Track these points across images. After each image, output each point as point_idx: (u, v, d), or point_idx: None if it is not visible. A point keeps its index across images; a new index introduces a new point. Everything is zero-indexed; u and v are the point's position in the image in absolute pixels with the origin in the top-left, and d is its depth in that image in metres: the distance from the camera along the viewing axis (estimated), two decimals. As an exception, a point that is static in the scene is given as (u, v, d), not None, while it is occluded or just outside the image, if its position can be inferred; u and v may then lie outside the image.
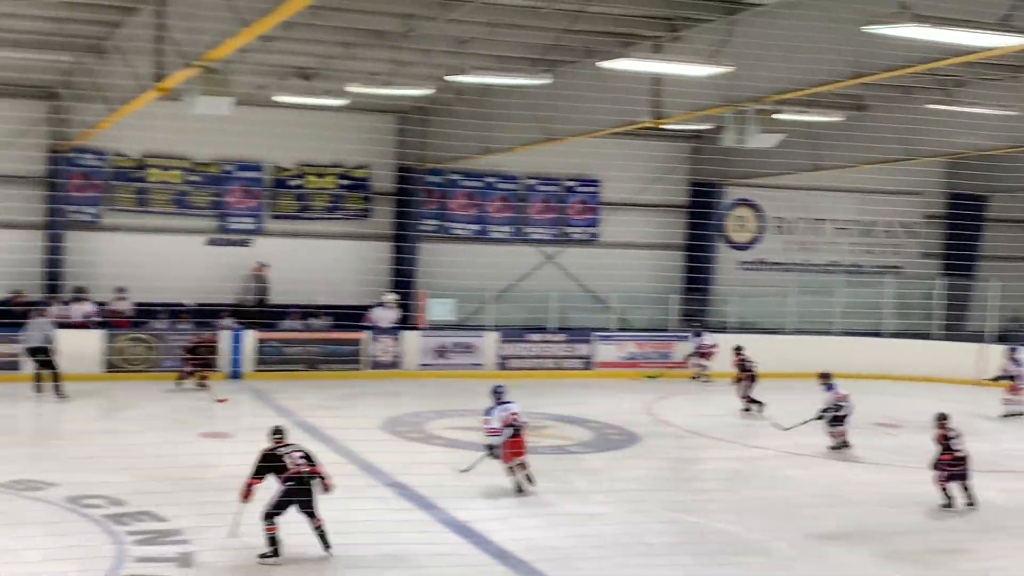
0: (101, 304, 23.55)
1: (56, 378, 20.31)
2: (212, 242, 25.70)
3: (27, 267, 23.61)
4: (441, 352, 24.99)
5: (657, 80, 18.04)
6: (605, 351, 26.17)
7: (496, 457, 14.73)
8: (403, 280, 26.25)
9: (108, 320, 23.35)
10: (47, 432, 18.23)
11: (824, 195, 30.16)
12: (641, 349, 26.50)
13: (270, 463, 11.72)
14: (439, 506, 13.96)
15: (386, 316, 25.12)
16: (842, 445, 18.05)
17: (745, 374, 21.53)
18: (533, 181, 28.09)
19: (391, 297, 25.40)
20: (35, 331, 20.49)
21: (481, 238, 27.68)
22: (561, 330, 26.19)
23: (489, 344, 25.27)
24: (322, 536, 11.60)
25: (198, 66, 15.36)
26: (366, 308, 25.29)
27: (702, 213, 28.99)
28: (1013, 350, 22.59)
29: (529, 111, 21.07)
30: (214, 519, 12.97)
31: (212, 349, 21.77)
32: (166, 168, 25.27)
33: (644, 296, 27.86)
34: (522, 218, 27.98)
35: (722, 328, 27.11)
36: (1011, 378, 22.13)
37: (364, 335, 24.57)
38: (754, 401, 21.27)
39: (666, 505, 15.02)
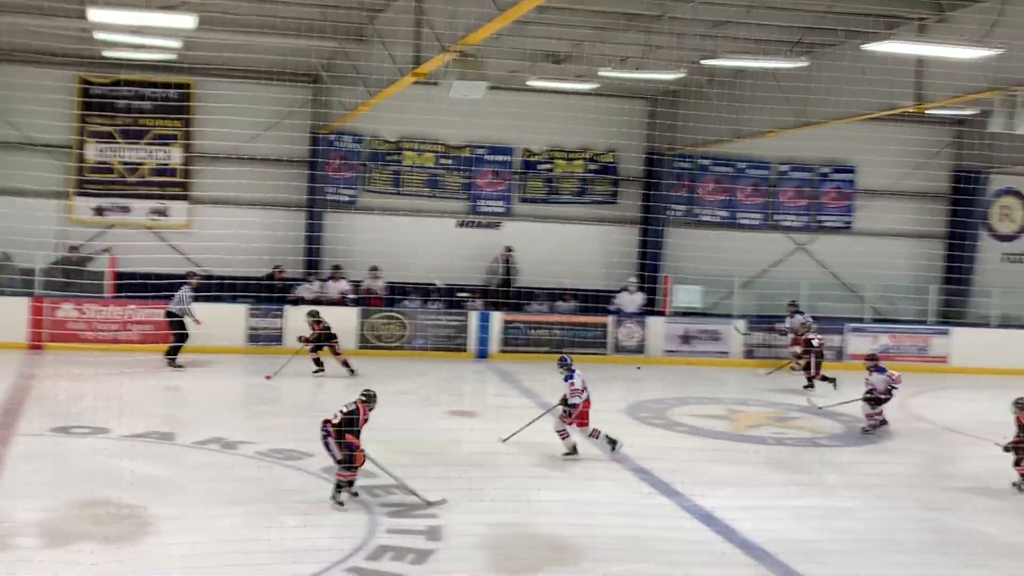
0: (356, 283, 24.43)
1: (179, 341, 21.20)
2: (463, 224, 26.34)
3: (288, 244, 24.76)
4: (685, 339, 24.89)
5: (921, 63, 17.49)
6: (858, 343, 25.51)
7: (568, 414, 15.21)
8: (649, 265, 26.26)
9: (362, 298, 24.19)
10: (305, 405, 18.97)
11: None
12: (896, 342, 25.72)
13: None
14: (682, 493, 13.92)
15: (632, 301, 25.19)
16: (880, 424, 18.13)
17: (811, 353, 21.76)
18: (785, 167, 27.66)
19: (635, 281, 25.45)
20: (176, 299, 21.26)
21: (730, 224, 27.45)
22: (812, 319, 25.68)
23: (736, 333, 25.01)
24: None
25: (455, 51, 15.75)
26: (612, 293, 25.43)
27: (965, 202, 27.87)
28: None
29: (783, 95, 20.74)
30: (461, 494, 13.34)
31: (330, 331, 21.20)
32: (420, 151, 26.06)
33: (900, 287, 27.02)
34: (773, 204, 27.59)
35: (985, 323, 26.11)
36: None
37: (609, 320, 24.71)
38: (819, 379, 21.54)
39: (919, 503, 14.58)
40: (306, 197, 25.31)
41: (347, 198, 25.75)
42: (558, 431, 15.25)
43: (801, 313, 23.67)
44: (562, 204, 26.80)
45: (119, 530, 11.42)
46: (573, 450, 15.20)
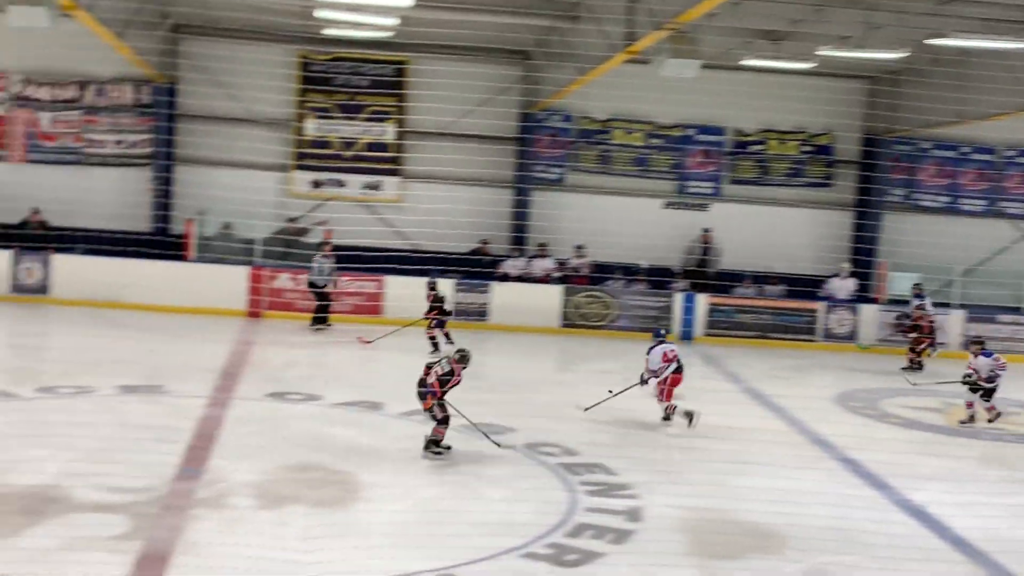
0: (561, 261, 24.55)
1: (322, 311, 21.81)
2: (669, 205, 26.16)
3: (496, 221, 25.06)
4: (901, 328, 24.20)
5: None
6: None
7: (645, 383, 15.62)
8: (863, 250, 25.56)
9: (567, 276, 24.30)
10: (508, 380, 19.20)
11: None
12: None
13: None
14: (892, 485, 13.58)
15: (843, 287, 24.63)
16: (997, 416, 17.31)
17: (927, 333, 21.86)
18: (1012, 152, 26.56)
19: (847, 267, 24.86)
20: (315, 270, 21.68)
21: (951, 210, 26.52)
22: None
23: (954, 322, 24.17)
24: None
25: (668, 29, 15.67)
26: (823, 278, 24.91)
27: None
28: None
29: (1012, 75, 19.91)
30: (662, 476, 13.32)
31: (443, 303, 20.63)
32: (629, 130, 26.00)
33: None
34: (998, 190, 26.55)
35: None
36: None
37: (819, 306, 24.21)
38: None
39: None
40: (514, 174, 25.56)
41: (555, 176, 25.88)
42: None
43: (921, 298, 22.85)
44: (773, 186, 26.36)
45: (329, 495, 11.79)
46: (670, 415, 15.64)
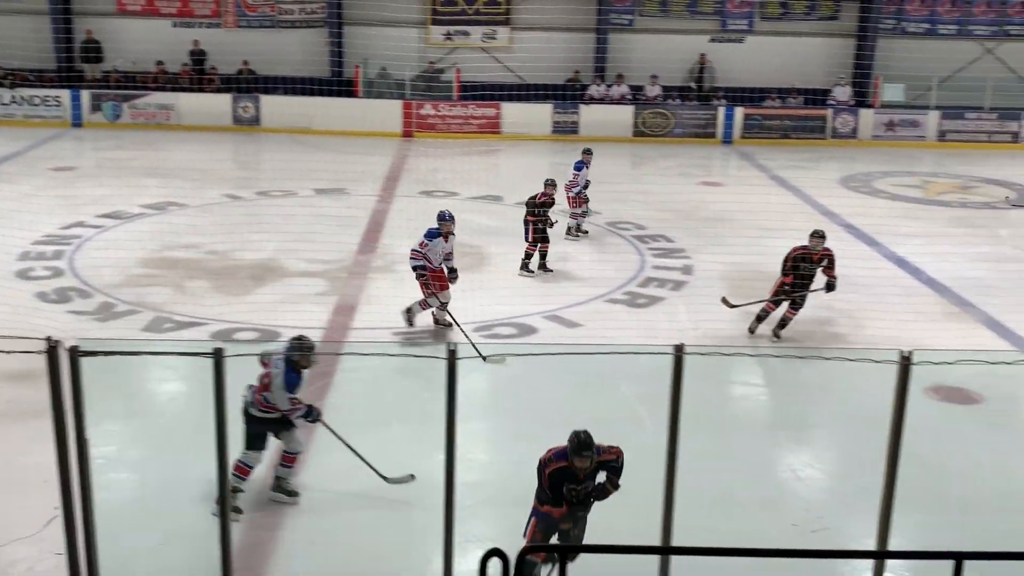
0: (636, 88, 23.78)
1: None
2: (713, 40, 24.97)
3: (584, 56, 24.25)
4: (891, 126, 23.25)
5: None
6: (1033, 128, 23.21)
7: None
8: (863, 67, 24.25)
9: (637, 99, 23.64)
10: (595, 178, 19.17)
11: None
12: (1067, 127, 23.23)
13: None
14: (880, 243, 13.38)
15: (844, 91, 23.59)
16: None
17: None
18: (980, -17, 24.81)
19: (844, 76, 23.71)
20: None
21: (930, 33, 24.99)
22: (994, 110, 23.44)
23: (931, 121, 23.16)
24: None
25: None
26: (830, 90, 23.89)
27: None
28: None
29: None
30: (707, 242, 13.23)
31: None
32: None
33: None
34: (967, 15, 24.88)
35: None
36: None
37: (827, 112, 23.31)
38: None
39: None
40: (596, 18, 24.36)
41: (626, 22, 24.79)
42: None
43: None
44: (795, 20, 25.01)
45: (467, 262, 11.98)
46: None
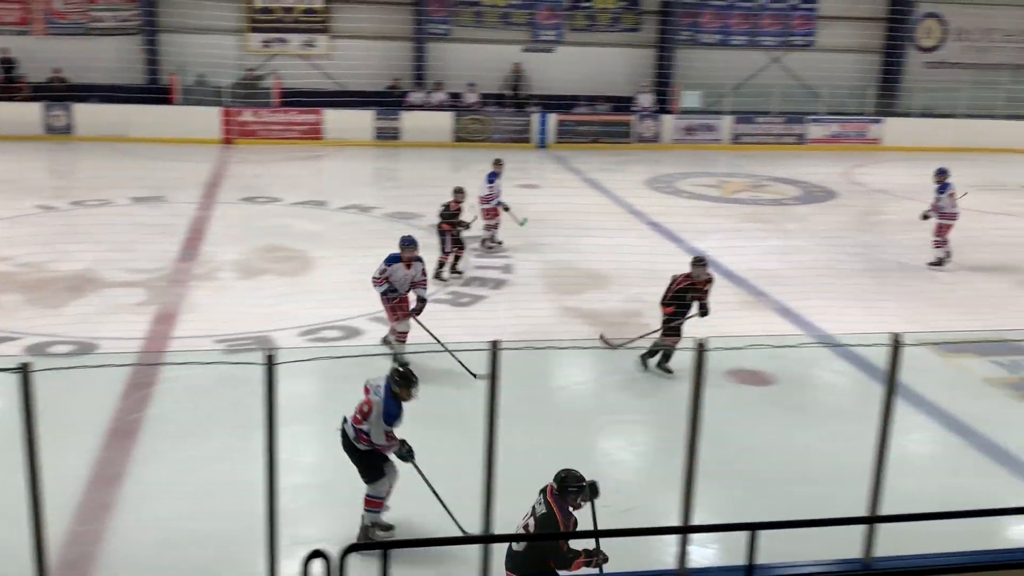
0: (455, 95, 23.85)
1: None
2: (526, 49, 25.40)
3: (403, 64, 24.16)
4: (690, 131, 24.35)
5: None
6: (815, 130, 24.84)
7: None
8: (663, 75, 25.30)
9: (456, 106, 23.71)
10: (417, 179, 18.98)
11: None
12: (843, 129, 24.99)
13: None
14: (683, 239, 13.95)
15: (647, 98, 24.54)
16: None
17: None
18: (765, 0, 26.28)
19: (646, 84, 24.65)
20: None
21: (723, 44, 26.31)
22: (781, 114, 24.90)
23: (726, 125, 24.40)
24: None
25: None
26: (634, 97, 24.76)
27: (896, 23, 26.31)
28: None
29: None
30: (528, 241, 13.39)
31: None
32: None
33: (847, 88, 25.91)
34: (756, 28, 26.33)
35: (907, 113, 25.29)
36: None
37: (632, 117, 24.17)
38: None
39: (855, 242, 14.49)
40: (413, 28, 24.39)
41: (443, 31, 24.84)
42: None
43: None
44: (600, 32, 25.76)
45: (290, 267, 11.74)
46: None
